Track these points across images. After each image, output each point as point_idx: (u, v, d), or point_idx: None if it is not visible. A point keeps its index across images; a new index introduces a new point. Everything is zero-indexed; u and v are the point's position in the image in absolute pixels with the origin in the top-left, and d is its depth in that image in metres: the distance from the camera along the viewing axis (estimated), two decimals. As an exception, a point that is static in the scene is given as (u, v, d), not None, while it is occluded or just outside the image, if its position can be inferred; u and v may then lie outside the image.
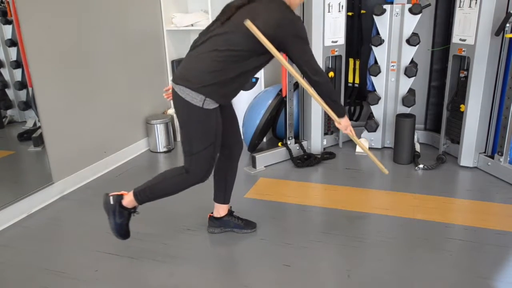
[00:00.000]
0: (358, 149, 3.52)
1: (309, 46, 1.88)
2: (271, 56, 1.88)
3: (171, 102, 2.02)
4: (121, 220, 2.05)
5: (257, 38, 1.75)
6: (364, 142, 3.50)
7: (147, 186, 2.03)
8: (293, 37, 1.82)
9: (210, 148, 1.95)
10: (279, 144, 3.43)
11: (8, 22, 2.43)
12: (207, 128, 1.92)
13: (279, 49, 1.84)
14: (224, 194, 2.26)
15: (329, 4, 3.17)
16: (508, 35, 2.68)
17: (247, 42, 1.80)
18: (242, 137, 2.27)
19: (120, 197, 2.05)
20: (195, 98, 1.84)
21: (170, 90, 2.09)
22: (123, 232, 2.08)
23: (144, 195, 2.02)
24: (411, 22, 3.20)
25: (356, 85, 3.75)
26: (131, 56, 3.46)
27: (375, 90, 3.45)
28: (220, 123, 1.96)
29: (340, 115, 2.07)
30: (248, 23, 1.72)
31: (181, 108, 1.91)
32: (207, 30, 1.97)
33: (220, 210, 2.29)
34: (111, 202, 2.04)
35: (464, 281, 1.88)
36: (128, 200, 2.04)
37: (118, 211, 2.03)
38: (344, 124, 2.09)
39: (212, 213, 2.33)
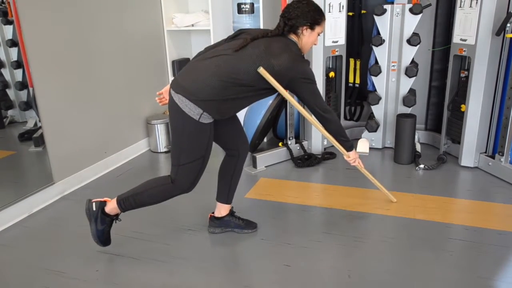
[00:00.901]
0: (358, 149, 3.51)
1: (317, 86, 1.94)
2: (276, 91, 1.93)
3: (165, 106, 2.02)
4: (102, 227, 2.05)
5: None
6: (365, 142, 3.49)
7: (131, 194, 2.02)
8: (303, 78, 1.88)
9: (198, 161, 1.94)
10: (280, 144, 3.43)
11: (9, 22, 2.43)
12: (199, 142, 1.92)
13: (288, 88, 1.90)
14: (228, 194, 2.26)
15: (329, 4, 3.18)
16: (509, 35, 2.68)
17: (256, 79, 1.85)
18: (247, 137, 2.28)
19: (103, 203, 2.05)
20: (192, 110, 1.84)
21: (163, 95, 2.09)
22: (103, 239, 2.08)
23: (127, 203, 2.02)
24: (412, 22, 3.20)
25: (357, 85, 3.75)
26: (131, 56, 3.47)
27: (375, 90, 3.45)
28: (212, 137, 1.96)
29: (348, 149, 2.19)
30: (262, 70, 1.80)
31: (176, 118, 1.89)
32: (217, 44, 2.01)
33: (222, 210, 2.29)
34: (94, 208, 2.04)
35: (464, 281, 1.88)
36: (111, 207, 2.04)
37: (100, 217, 2.03)
38: (352, 157, 2.23)
39: (213, 213, 2.33)
